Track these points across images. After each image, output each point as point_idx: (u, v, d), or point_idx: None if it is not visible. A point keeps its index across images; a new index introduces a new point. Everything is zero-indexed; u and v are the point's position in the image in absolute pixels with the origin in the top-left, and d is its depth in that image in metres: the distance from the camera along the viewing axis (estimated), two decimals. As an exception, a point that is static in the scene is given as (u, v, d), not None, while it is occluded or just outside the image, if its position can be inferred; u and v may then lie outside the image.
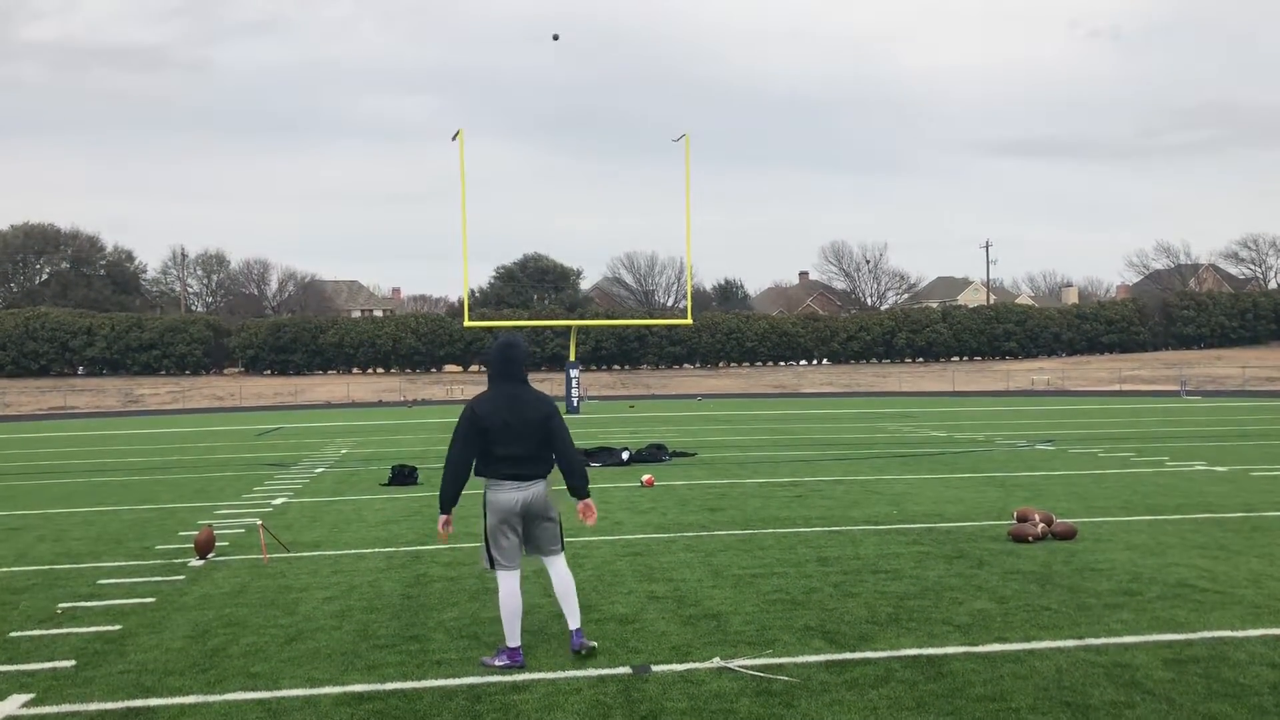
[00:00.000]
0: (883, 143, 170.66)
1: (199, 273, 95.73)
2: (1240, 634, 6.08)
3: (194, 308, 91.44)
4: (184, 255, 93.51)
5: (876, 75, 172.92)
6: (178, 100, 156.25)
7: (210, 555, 9.17)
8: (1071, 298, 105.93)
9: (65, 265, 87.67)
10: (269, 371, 74.52)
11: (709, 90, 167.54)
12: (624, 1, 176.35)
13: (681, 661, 5.73)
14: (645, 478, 14.37)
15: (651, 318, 72.72)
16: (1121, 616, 6.51)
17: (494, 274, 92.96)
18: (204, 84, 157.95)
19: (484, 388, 6.10)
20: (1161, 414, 32.28)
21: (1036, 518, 9.38)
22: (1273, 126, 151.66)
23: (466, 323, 46.42)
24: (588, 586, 7.53)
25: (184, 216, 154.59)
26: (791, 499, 12.41)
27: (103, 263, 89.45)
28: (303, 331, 73.74)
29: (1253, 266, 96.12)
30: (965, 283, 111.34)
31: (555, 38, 31.72)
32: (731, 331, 76.98)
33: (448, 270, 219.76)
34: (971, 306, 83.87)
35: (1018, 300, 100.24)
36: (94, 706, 5.19)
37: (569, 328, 48.87)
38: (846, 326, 79.56)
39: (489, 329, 67.35)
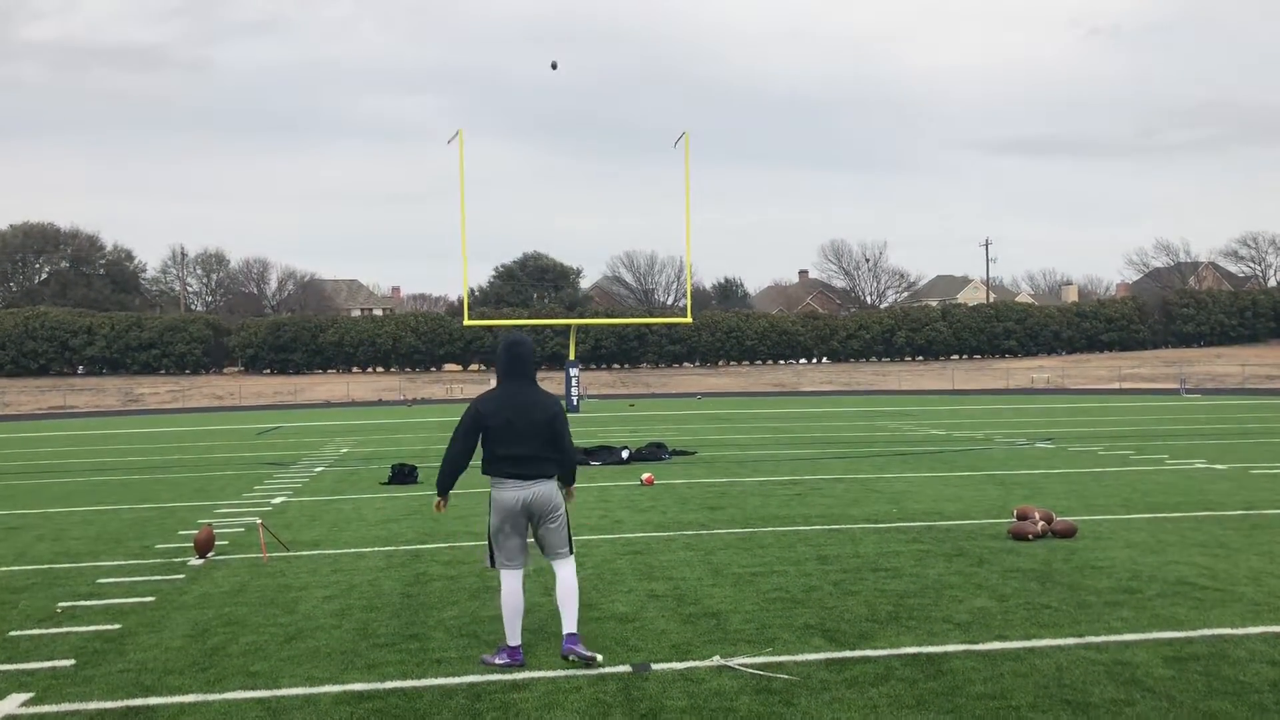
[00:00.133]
0: (882, 141, 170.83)
1: (199, 272, 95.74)
2: (1240, 632, 6.08)
3: (193, 307, 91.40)
4: (184, 254, 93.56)
5: (876, 74, 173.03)
6: (178, 100, 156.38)
7: (210, 554, 9.17)
8: (1071, 296, 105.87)
9: (65, 264, 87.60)
10: (269, 371, 74.50)
11: (709, 90, 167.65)
12: (624, 1, 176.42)
13: (681, 660, 5.73)
14: (645, 476, 14.36)
15: (651, 316, 72.67)
16: (1121, 614, 6.51)
17: (494, 273, 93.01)
18: (204, 84, 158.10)
19: (484, 387, 6.09)
20: (1161, 412, 32.28)
21: (1036, 516, 9.38)
22: (1272, 125, 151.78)
23: (466, 322, 46.42)
24: (588, 585, 7.52)
25: (184, 216, 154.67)
26: (791, 497, 12.41)
27: (102, 262, 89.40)
28: (302, 331, 73.72)
29: (1252, 264, 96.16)
30: (965, 281, 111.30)
31: (554, 66, 31.95)
32: (731, 330, 76.97)
33: (447, 269, 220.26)
34: (971, 305, 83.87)
35: (1017, 298, 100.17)
36: (93, 705, 5.19)
37: (569, 326, 48.86)
38: (846, 325, 79.55)
39: (488, 328, 67.38)
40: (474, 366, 76.14)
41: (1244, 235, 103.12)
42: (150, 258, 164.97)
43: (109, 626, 6.77)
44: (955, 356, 79.42)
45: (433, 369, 76.45)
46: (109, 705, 5.19)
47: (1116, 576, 7.61)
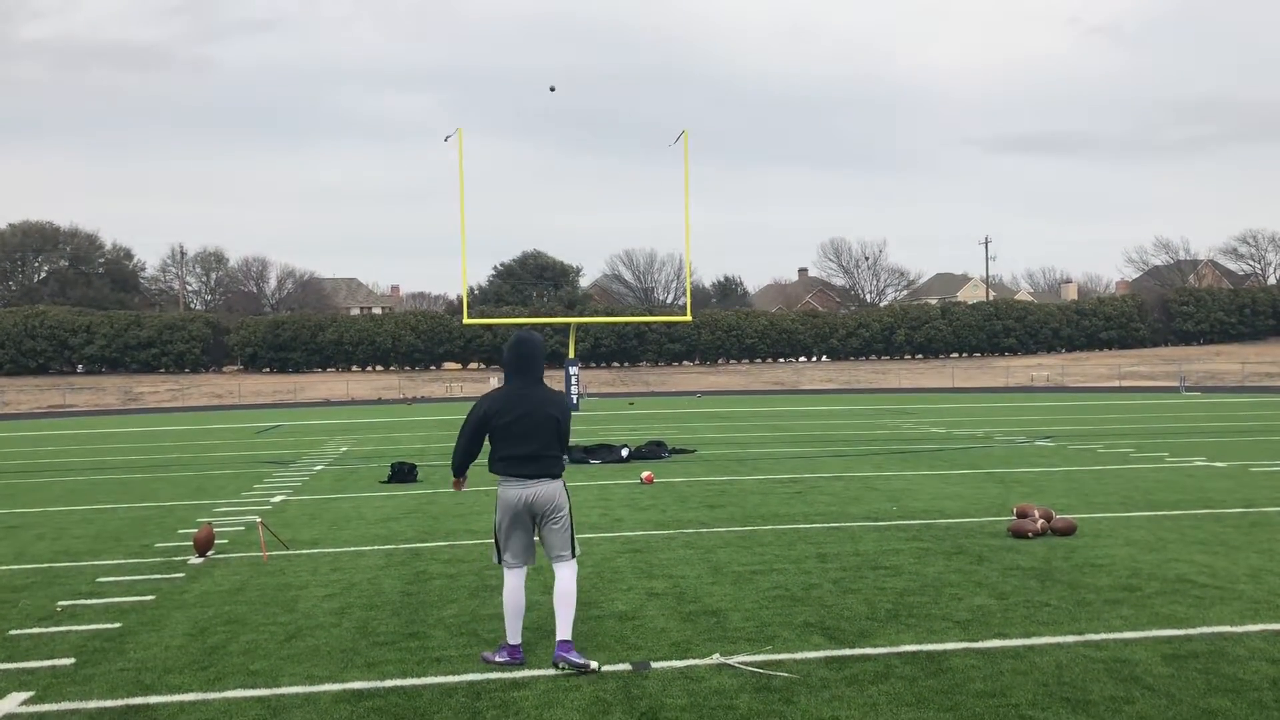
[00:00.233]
0: (882, 139, 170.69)
1: (198, 270, 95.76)
2: (1240, 629, 6.08)
3: (193, 306, 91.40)
4: (183, 253, 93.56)
5: (876, 73, 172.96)
6: (178, 99, 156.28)
7: (209, 553, 9.17)
8: (1071, 294, 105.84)
9: (64, 263, 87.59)
10: (268, 369, 74.49)
11: (709, 89, 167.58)
12: (624, 1, 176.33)
13: (681, 658, 5.73)
14: (645, 474, 14.36)
15: (651, 315, 72.69)
16: (1121, 612, 6.52)
17: (493, 271, 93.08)
18: (204, 83, 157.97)
19: (483, 386, 6.09)
20: (1161, 410, 32.29)
21: (1036, 514, 9.38)
22: (1272, 123, 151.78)
23: (465, 320, 46.44)
24: (587, 583, 7.52)
25: (183, 215, 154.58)
26: (791, 495, 12.41)
27: (101, 261, 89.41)
28: (302, 329, 73.70)
29: (1252, 262, 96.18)
30: (964, 279, 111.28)
31: (552, 89, 32.75)
32: (731, 328, 76.97)
33: (447, 267, 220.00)
34: (971, 303, 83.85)
35: (1017, 297, 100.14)
36: (93, 704, 5.19)
37: (568, 325, 48.87)
38: (846, 323, 79.55)
39: (488, 326, 67.37)
40: (473, 365, 76.09)
41: (1244, 233, 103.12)
42: (149, 256, 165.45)
43: (109, 625, 6.77)
44: (955, 355, 79.45)
45: (432, 367, 76.42)
46: (109, 704, 5.19)
47: (1116, 574, 7.62)
